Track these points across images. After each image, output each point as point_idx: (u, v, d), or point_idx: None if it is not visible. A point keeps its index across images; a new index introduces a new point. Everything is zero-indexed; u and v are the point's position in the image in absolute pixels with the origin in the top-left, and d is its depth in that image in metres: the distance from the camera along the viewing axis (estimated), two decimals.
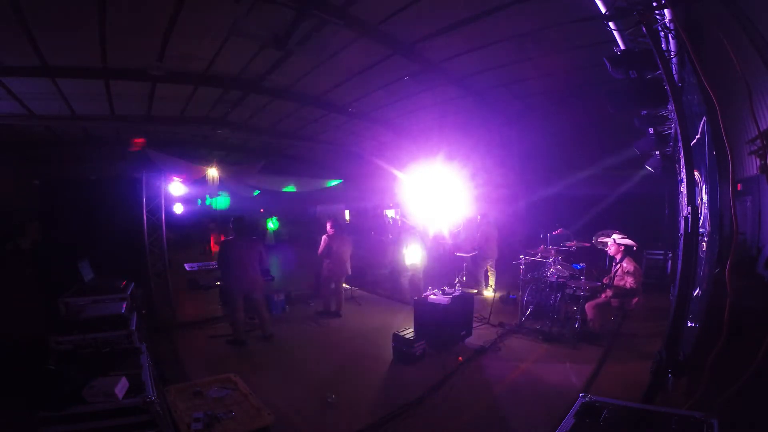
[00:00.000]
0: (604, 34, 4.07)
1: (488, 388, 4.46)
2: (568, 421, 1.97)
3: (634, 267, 5.74)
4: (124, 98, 7.46)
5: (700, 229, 3.52)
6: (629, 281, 5.65)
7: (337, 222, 7.54)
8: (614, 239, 5.95)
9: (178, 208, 11.13)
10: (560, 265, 6.36)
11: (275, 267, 9.05)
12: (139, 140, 8.74)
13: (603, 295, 5.78)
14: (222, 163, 11.91)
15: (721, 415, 1.86)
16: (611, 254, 6.10)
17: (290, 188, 14.03)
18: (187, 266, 8.84)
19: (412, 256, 8.12)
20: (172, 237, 15.93)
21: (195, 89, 7.24)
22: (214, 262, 8.34)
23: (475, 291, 8.26)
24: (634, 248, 6.16)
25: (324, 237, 7.20)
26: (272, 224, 16.86)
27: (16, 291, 5.92)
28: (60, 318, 4.04)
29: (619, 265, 5.85)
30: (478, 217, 8.86)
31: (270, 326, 6.06)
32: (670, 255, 8.29)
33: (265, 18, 4.79)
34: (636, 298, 5.73)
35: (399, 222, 11.68)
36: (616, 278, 5.83)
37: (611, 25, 3.72)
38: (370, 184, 14.02)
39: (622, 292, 5.68)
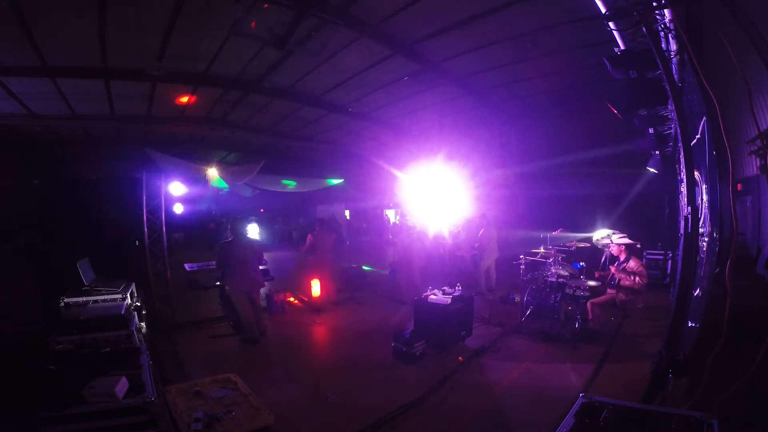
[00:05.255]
0: (604, 34, 4.07)
1: (488, 388, 4.45)
2: (568, 421, 1.97)
3: (638, 265, 5.66)
4: (124, 98, 7.46)
5: (700, 229, 3.52)
6: (638, 280, 5.57)
7: (322, 221, 8.12)
8: (613, 239, 5.92)
9: (178, 208, 11.07)
10: (560, 265, 6.36)
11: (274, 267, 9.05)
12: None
13: (608, 295, 5.73)
14: (222, 163, 11.92)
15: (721, 415, 1.86)
16: (614, 254, 6.02)
17: (290, 183, 14.01)
18: (187, 266, 8.82)
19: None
20: (178, 237, 15.80)
21: (195, 89, 7.24)
22: (213, 262, 8.32)
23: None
24: (638, 246, 6.09)
25: (309, 235, 7.71)
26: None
27: (16, 291, 5.93)
28: (60, 318, 4.04)
29: (623, 265, 5.77)
30: (481, 216, 8.85)
31: (263, 323, 6.08)
32: (670, 255, 8.28)
33: (265, 18, 4.79)
34: (642, 298, 5.67)
35: (398, 222, 11.69)
36: (621, 278, 5.72)
37: (611, 25, 3.73)
38: (370, 184, 14.03)
39: (632, 291, 5.60)
